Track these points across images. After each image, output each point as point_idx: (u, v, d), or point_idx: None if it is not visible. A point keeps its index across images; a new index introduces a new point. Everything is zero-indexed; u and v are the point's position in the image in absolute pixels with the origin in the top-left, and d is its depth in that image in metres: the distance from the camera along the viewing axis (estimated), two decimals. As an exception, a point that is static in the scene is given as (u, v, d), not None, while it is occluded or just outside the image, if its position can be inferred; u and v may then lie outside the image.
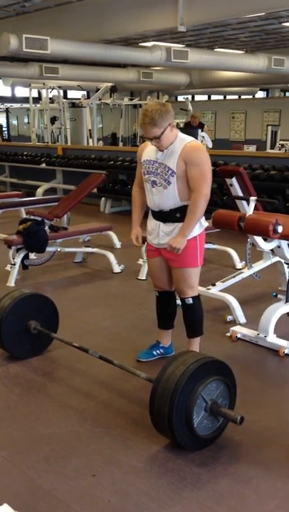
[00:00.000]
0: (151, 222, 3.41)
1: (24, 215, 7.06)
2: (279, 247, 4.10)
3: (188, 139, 3.22)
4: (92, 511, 2.32)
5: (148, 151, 3.31)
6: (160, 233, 3.34)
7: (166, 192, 3.22)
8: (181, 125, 11.93)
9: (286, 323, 4.06)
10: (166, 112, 3.11)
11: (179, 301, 4.19)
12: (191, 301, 3.42)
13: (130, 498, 2.39)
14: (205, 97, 22.35)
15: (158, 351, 3.69)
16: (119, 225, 7.11)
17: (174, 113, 3.19)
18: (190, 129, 10.32)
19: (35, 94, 13.79)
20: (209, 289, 4.62)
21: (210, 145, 10.30)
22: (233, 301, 4.42)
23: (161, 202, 3.27)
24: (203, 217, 3.35)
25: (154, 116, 3.06)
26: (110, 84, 13.21)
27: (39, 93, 13.67)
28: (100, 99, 13.30)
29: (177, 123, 11.92)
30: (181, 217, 3.24)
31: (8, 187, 12.04)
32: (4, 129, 22.13)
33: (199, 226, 3.31)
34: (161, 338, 3.71)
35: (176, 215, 3.26)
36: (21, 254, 5.41)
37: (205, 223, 3.39)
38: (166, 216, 3.30)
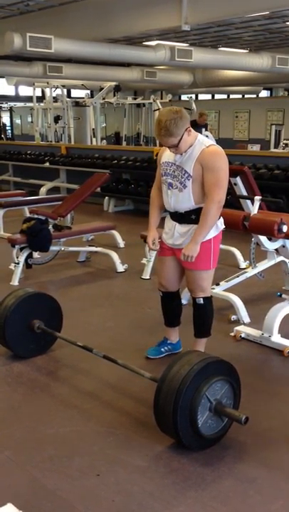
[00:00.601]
0: (168, 223, 3.41)
1: (28, 214, 7.07)
2: (284, 246, 4.10)
3: (207, 142, 3.18)
4: (96, 511, 2.32)
5: (167, 154, 3.30)
6: (175, 234, 3.34)
7: (182, 195, 3.22)
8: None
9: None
10: (181, 119, 3.07)
11: (184, 301, 4.20)
12: (201, 301, 3.42)
13: (134, 498, 2.39)
14: (208, 96, 22.34)
15: (166, 348, 3.70)
16: (123, 224, 7.11)
17: (188, 116, 3.14)
18: (196, 127, 10.30)
19: (38, 93, 13.77)
20: (213, 288, 4.60)
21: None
22: (237, 301, 4.41)
23: (176, 204, 3.27)
24: (221, 219, 3.34)
25: (169, 127, 3.04)
26: (114, 83, 13.21)
27: (43, 92, 13.66)
28: (103, 99, 13.30)
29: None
30: (196, 218, 3.22)
31: (12, 186, 12.05)
32: (8, 128, 22.15)
33: (215, 228, 3.29)
34: (169, 334, 3.72)
35: (191, 217, 3.26)
36: (25, 253, 5.41)
37: (222, 226, 3.37)
38: (181, 217, 3.30)
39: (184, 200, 3.22)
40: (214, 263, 3.36)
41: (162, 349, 3.70)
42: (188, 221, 3.27)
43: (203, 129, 10.33)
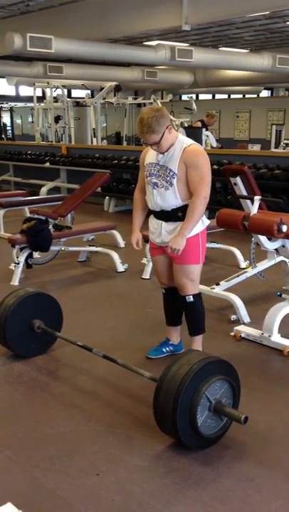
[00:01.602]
0: (153, 222, 3.46)
1: (28, 214, 7.07)
2: (283, 246, 4.09)
3: (189, 141, 3.28)
4: (97, 510, 2.32)
5: (150, 155, 3.38)
6: (163, 232, 3.39)
7: (168, 193, 3.28)
8: (186, 124, 11.90)
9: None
10: (162, 117, 3.15)
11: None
12: (191, 298, 3.46)
13: (134, 497, 2.39)
14: (209, 96, 22.32)
15: (167, 348, 3.71)
16: (123, 224, 7.09)
17: (169, 115, 3.23)
18: (204, 128, 10.37)
19: (39, 93, 13.78)
20: (213, 288, 4.61)
21: (214, 144, 10.27)
22: (237, 301, 4.42)
23: (162, 203, 3.33)
24: (205, 215, 3.42)
25: (150, 123, 3.12)
26: (114, 83, 13.20)
27: (43, 92, 13.67)
28: (104, 98, 13.30)
29: (181, 122, 11.92)
30: (182, 216, 3.29)
31: (12, 186, 12.05)
32: (8, 128, 22.14)
33: (201, 223, 3.38)
34: (171, 335, 3.73)
35: (178, 214, 3.32)
36: (25, 253, 5.41)
37: (207, 221, 3.46)
38: (168, 215, 3.35)
39: (170, 198, 3.28)
40: (202, 258, 3.44)
41: (164, 349, 3.71)
42: (175, 219, 3.33)
43: (204, 129, 10.31)
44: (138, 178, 3.56)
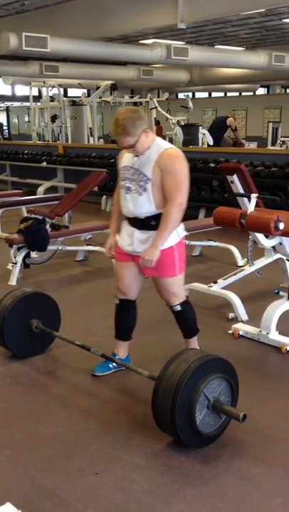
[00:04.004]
0: (126, 228, 3.28)
1: (25, 214, 7.06)
2: (281, 244, 4.09)
3: (166, 145, 3.13)
4: (96, 510, 2.32)
5: (126, 157, 3.21)
6: (135, 240, 3.20)
7: (142, 199, 3.10)
8: (182, 123, 11.90)
9: (288, 320, 4.05)
10: (139, 119, 3.00)
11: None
12: (179, 307, 3.33)
13: (133, 496, 2.39)
14: (206, 94, 22.32)
15: (114, 364, 3.46)
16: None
17: (146, 118, 3.09)
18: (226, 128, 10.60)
19: (35, 92, 13.76)
20: (211, 286, 4.61)
21: (211, 142, 10.29)
22: (235, 299, 4.42)
23: (135, 209, 3.15)
24: (181, 226, 3.23)
25: (126, 125, 2.96)
26: (111, 82, 13.19)
27: (39, 91, 13.65)
28: (100, 97, 13.28)
29: (178, 120, 11.91)
30: (156, 225, 3.11)
31: (9, 186, 12.03)
32: (5, 127, 22.13)
33: (176, 235, 3.19)
34: (118, 349, 3.49)
35: (151, 223, 3.13)
36: (23, 253, 5.41)
37: (183, 232, 3.26)
38: (141, 223, 3.17)
39: (143, 204, 3.10)
40: (181, 269, 3.26)
41: (110, 365, 3.47)
42: (148, 227, 3.14)
43: (200, 128, 10.34)
44: (118, 180, 3.34)
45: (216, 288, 4.59)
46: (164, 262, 3.13)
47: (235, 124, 11.22)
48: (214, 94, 22.17)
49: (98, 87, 12.92)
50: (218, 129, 10.93)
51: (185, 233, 3.31)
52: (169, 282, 3.26)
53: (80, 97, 13.87)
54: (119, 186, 3.30)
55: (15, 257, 5.43)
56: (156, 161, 3.04)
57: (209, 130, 11.23)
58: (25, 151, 11.80)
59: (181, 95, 20.96)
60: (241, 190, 4.25)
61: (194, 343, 3.51)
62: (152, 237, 3.12)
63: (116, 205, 3.38)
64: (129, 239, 3.24)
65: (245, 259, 5.14)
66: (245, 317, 4.36)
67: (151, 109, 13.26)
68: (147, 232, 3.16)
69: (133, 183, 3.13)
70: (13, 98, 21.57)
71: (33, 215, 5.66)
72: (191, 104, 12.95)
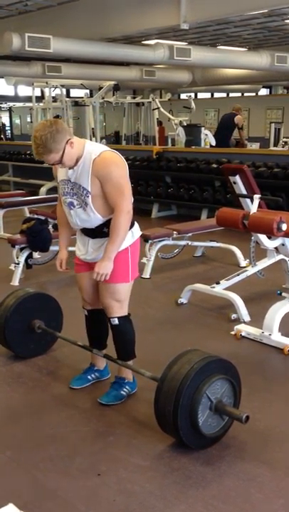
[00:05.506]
0: (81, 238, 3.12)
1: (28, 214, 7.06)
2: (283, 244, 4.09)
3: (98, 150, 2.86)
4: (98, 511, 2.32)
5: (61, 170, 2.98)
6: (89, 249, 3.05)
7: (85, 214, 2.93)
8: (184, 123, 11.89)
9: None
10: (58, 132, 2.74)
11: (183, 300, 4.18)
12: (116, 321, 3.07)
13: (135, 497, 2.39)
14: (208, 95, 22.32)
15: (93, 375, 3.37)
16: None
17: (66, 127, 2.83)
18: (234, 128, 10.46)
19: (38, 93, 13.74)
20: (213, 287, 4.61)
21: (213, 143, 10.27)
22: (238, 299, 4.41)
23: (83, 223, 2.99)
24: (136, 226, 3.07)
25: (45, 143, 2.72)
26: (113, 82, 13.18)
27: (42, 92, 13.64)
28: (102, 98, 13.28)
29: (180, 121, 11.90)
30: (108, 231, 2.92)
31: (12, 186, 12.04)
32: (7, 128, 22.14)
33: (131, 236, 3.00)
34: (95, 360, 3.37)
35: (103, 231, 2.97)
36: (25, 254, 5.41)
37: (138, 233, 3.08)
38: (92, 233, 3.02)
39: (89, 218, 2.93)
40: (133, 275, 3.06)
41: (89, 377, 3.36)
42: (100, 235, 2.99)
43: (202, 128, 10.28)
44: (58, 193, 3.13)
45: (219, 289, 4.59)
46: (115, 265, 2.92)
47: (242, 123, 11.09)
48: (216, 95, 22.16)
49: (100, 88, 12.91)
50: (225, 129, 10.70)
51: (140, 233, 3.11)
52: (117, 289, 3.02)
53: (82, 97, 13.88)
54: (61, 200, 3.10)
55: (17, 258, 5.43)
56: (91, 171, 2.82)
57: (217, 130, 11.11)
58: (28, 152, 11.78)
59: (183, 96, 20.93)
60: (244, 191, 4.25)
61: (127, 370, 3.18)
62: (105, 244, 2.95)
63: (61, 217, 3.19)
64: (84, 248, 3.09)
65: (248, 260, 5.14)
66: (247, 318, 4.35)
67: (154, 109, 13.26)
68: (101, 240, 3.00)
69: (74, 198, 2.93)
70: (15, 98, 21.59)
71: (36, 216, 5.66)
72: (193, 104, 12.95)
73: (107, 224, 2.93)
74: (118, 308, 3.06)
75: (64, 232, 3.26)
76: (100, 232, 2.99)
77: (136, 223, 3.08)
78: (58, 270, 3.26)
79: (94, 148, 2.88)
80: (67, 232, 3.24)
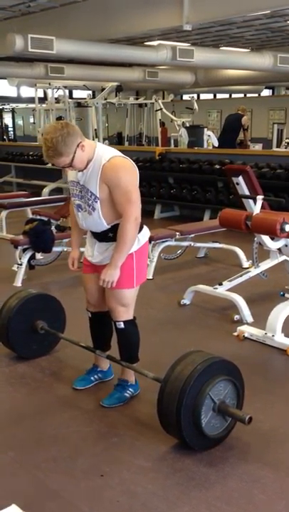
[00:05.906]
0: (89, 240, 3.13)
1: (30, 215, 7.05)
2: (286, 245, 4.09)
3: (108, 155, 2.83)
4: (100, 512, 2.32)
5: (71, 171, 2.96)
6: (95, 252, 3.06)
7: (92, 218, 2.92)
8: (187, 124, 11.89)
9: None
10: (69, 135, 2.72)
11: (186, 301, 4.18)
12: (122, 325, 3.06)
13: (138, 498, 2.39)
14: (210, 96, 22.31)
15: (96, 376, 3.37)
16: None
17: (77, 130, 2.79)
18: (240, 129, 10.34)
19: (40, 94, 13.80)
20: (216, 288, 4.60)
21: (216, 144, 10.26)
22: (240, 301, 4.41)
23: (89, 227, 3.00)
24: (144, 231, 3.05)
25: (56, 146, 2.71)
26: (116, 83, 13.20)
27: (45, 93, 13.69)
28: (105, 99, 13.29)
29: (183, 122, 11.91)
30: (114, 236, 2.91)
31: (14, 187, 12.05)
32: (10, 129, 22.17)
33: (137, 242, 2.96)
34: (99, 361, 3.37)
35: (108, 235, 2.96)
36: (28, 254, 5.41)
37: (144, 238, 3.04)
38: (99, 236, 3.01)
39: (95, 223, 2.93)
40: (138, 280, 3.04)
41: (92, 378, 3.36)
42: (106, 239, 2.98)
43: (205, 129, 10.27)
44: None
45: (221, 290, 4.58)
46: (120, 270, 2.91)
47: (248, 124, 11.04)
48: (219, 96, 22.15)
49: (103, 89, 12.93)
50: (231, 130, 10.61)
51: (146, 239, 3.07)
52: (122, 294, 3.00)
53: (85, 98, 13.88)
54: (71, 200, 3.12)
55: (20, 259, 5.43)
56: (100, 176, 2.80)
57: (223, 131, 11.05)
58: (31, 153, 11.82)
59: (186, 97, 20.96)
60: (247, 192, 4.25)
61: (130, 372, 3.18)
62: (111, 248, 2.95)
63: (74, 216, 3.17)
64: (91, 249, 3.09)
65: (251, 261, 5.13)
66: (250, 319, 4.35)
67: (157, 110, 13.27)
68: (106, 244, 3.00)
69: (82, 201, 2.93)
70: (18, 99, 21.60)
71: (38, 217, 5.67)
72: (196, 105, 12.96)
73: (112, 229, 2.92)
74: (124, 312, 3.05)
75: (76, 232, 3.26)
76: (106, 236, 2.98)
77: (145, 227, 3.06)
78: (70, 269, 3.26)
79: (104, 153, 2.85)
80: (79, 231, 3.23)
